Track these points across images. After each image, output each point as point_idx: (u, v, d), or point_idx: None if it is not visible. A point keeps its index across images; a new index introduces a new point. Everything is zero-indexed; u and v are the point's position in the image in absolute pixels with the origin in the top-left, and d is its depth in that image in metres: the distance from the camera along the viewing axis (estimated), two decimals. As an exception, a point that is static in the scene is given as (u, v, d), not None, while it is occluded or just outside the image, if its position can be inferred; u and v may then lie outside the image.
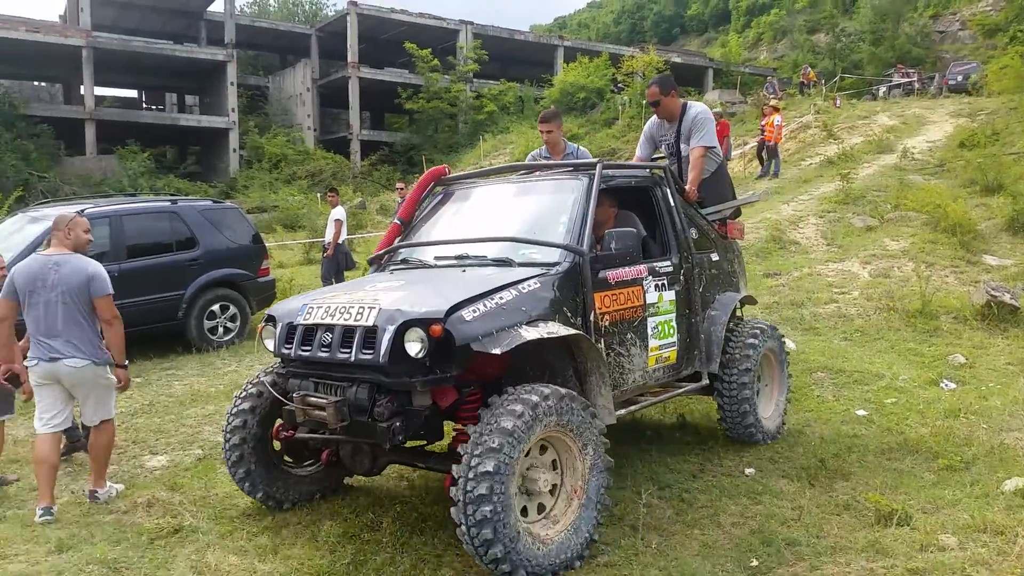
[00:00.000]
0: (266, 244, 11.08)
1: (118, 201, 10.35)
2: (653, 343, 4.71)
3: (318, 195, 26.12)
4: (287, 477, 4.64)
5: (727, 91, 35.99)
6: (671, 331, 4.84)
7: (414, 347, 3.63)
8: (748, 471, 5.04)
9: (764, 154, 19.13)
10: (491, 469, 3.41)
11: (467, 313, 3.67)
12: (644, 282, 4.66)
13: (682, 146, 5.73)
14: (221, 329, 9.76)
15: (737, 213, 5.93)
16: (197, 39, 37.64)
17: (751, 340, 5.30)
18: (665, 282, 4.83)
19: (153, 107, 43.19)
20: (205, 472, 5.34)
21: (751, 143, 22.17)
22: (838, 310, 8.93)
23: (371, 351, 3.71)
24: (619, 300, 4.48)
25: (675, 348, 4.89)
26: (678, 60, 41.63)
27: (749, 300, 5.86)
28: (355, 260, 12.91)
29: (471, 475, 3.44)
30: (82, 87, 31.72)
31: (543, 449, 3.82)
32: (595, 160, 4.81)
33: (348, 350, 3.79)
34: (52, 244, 4.86)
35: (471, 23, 39.58)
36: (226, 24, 35.17)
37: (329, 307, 4.02)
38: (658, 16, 65.21)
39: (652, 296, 4.71)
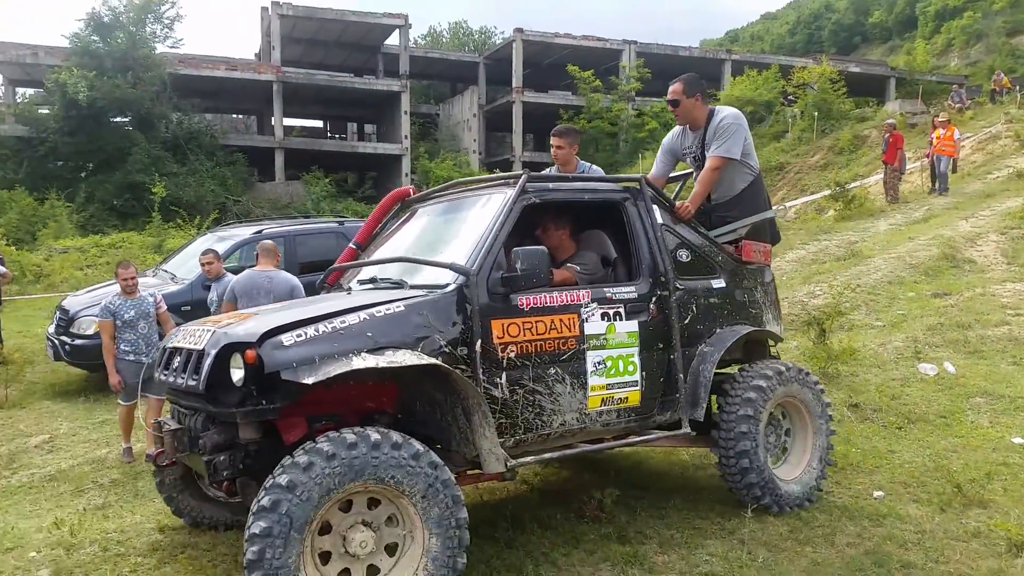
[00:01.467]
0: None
1: (293, 222, 11.41)
2: (597, 381, 4.06)
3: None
4: (212, 501, 4.48)
5: (909, 101, 33.71)
6: (629, 368, 4.17)
7: (236, 373, 3.34)
8: (877, 494, 4.85)
9: (936, 170, 17.82)
10: (258, 532, 3.02)
11: (287, 338, 3.32)
12: (583, 309, 4.05)
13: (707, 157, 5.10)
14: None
15: (767, 233, 5.08)
16: (375, 71, 40.21)
17: (758, 383, 4.49)
18: (622, 311, 4.18)
19: (336, 136, 46.55)
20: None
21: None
22: (1009, 333, 8.24)
23: (197, 377, 3.48)
24: (535, 329, 3.88)
25: (637, 389, 4.21)
26: (856, 70, 39.51)
27: (770, 336, 4.95)
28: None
29: (247, 535, 3.08)
30: (273, 118, 34.82)
31: (374, 503, 3.35)
32: (520, 173, 4.21)
33: (185, 375, 3.59)
34: (261, 262, 6.46)
35: (634, 42, 39.65)
36: (401, 56, 37.36)
37: (191, 330, 3.86)
38: (836, 25, 62.11)
39: (596, 326, 4.08)
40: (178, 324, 5.03)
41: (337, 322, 3.45)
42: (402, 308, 3.62)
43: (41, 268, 17.70)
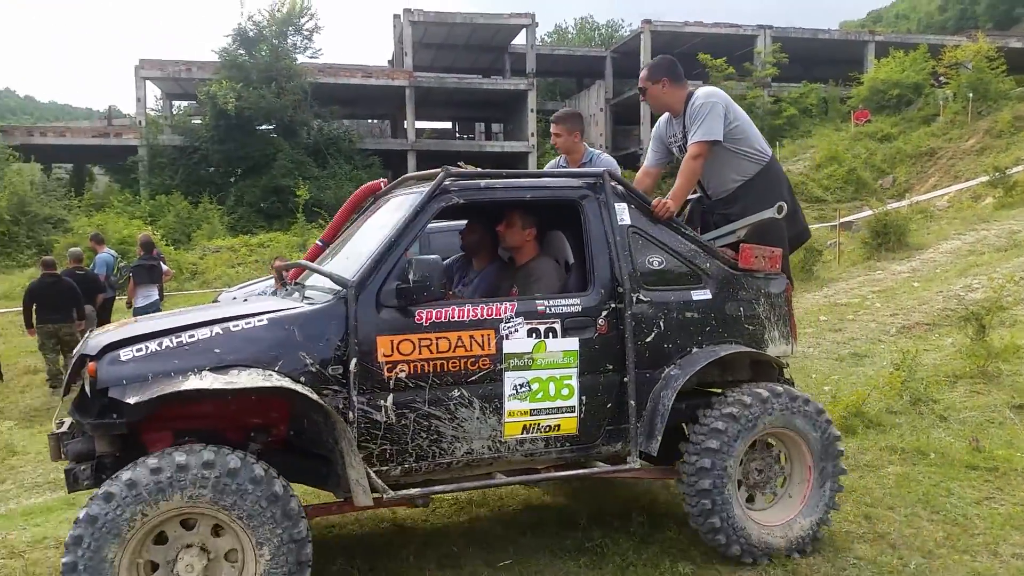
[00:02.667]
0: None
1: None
2: (517, 406, 3.59)
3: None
4: None
5: (1081, 76, 30.76)
6: (563, 392, 3.66)
7: (88, 385, 3.17)
8: (1046, 502, 4.45)
9: None
10: (66, 561, 2.87)
11: (125, 352, 3.11)
12: (503, 325, 3.57)
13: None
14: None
15: (786, 233, 4.30)
16: (502, 71, 40.76)
17: (731, 411, 3.78)
18: (557, 327, 3.65)
19: (464, 136, 47.56)
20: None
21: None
22: None
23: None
24: (436, 347, 3.45)
25: (573, 416, 3.68)
26: (1017, 45, 36.47)
27: (772, 361, 4.13)
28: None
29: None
30: (405, 122, 35.96)
31: (219, 530, 3.10)
32: (436, 171, 3.72)
33: None
34: None
35: (770, 27, 38.22)
36: (527, 55, 37.67)
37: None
38: (993, -3, 57.54)
39: (519, 344, 3.59)
40: None
41: (185, 336, 3.19)
42: (264, 322, 3.31)
43: (196, 266, 19.14)
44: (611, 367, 3.75)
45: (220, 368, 3.13)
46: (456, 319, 3.51)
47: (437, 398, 3.46)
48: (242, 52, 30.30)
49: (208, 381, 3.04)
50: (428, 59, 39.70)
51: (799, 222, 4.52)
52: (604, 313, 3.74)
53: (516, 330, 3.60)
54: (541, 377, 3.63)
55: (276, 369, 3.21)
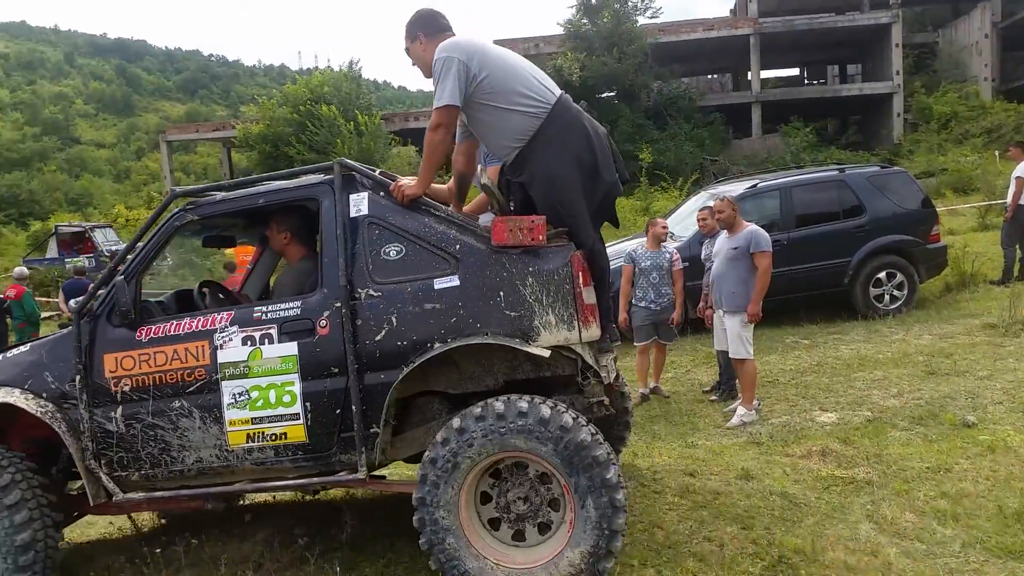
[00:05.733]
0: (936, 209, 10.32)
1: (787, 174, 10.92)
2: (237, 415, 3.62)
3: (996, 153, 23.06)
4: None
5: None
6: (284, 399, 3.57)
7: None
8: None
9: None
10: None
11: None
12: (217, 335, 3.64)
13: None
14: (887, 297, 9.51)
15: (567, 197, 3.56)
16: (858, 6, 36.85)
17: (445, 435, 3.38)
18: (273, 332, 3.59)
19: (814, 82, 44.02)
20: (876, 433, 5.31)
21: None
22: None
23: None
24: (153, 361, 3.71)
25: (299, 423, 3.57)
26: None
27: (530, 353, 3.41)
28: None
29: None
30: (749, 73, 34.16)
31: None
32: (173, 189, 3.98)
33: None
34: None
35: None
36: (890, -17, 33.56)
37: None
38: None
39: (234, 353, 3.62)
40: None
41: None
42: (26, 348, 4.00)
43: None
44: (336, 370, 3.55)
45: None
46: (172, 333, 3.72)
47: (160, 409, 3.70)
48: (585, 21, 31.07)
49: None
50: (774, 3, 37.25)
51: (604, 178, 3.68)
52: (327, 313, 3.57)
53: (230, 339, 3.65)
54: (260, 384, 3.60)
55: (25, 387, 3.83)
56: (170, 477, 3.79)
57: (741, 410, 6.03)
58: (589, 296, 3.50)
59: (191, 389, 3.69)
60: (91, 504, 3.81)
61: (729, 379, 6.74)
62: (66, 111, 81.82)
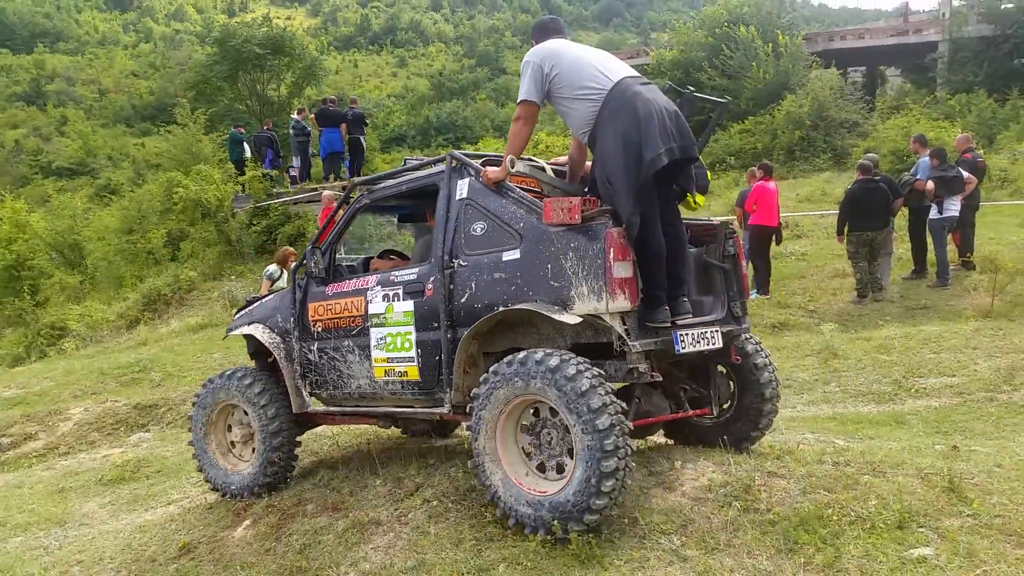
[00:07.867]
0: None
1: None
2: (379, 355, 4.62)
3: None
4: None
5: None
6: (405, 345, 4.48)
7: None
8: None
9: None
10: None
11: None
12: (368, 292, 4.68)
13: None
14: None
15: (611, 170, 3.87)
16: None
17: (492, 378, 3.91)
18: (400, 291, 4.52)
19: None
20: None
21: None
22: None
23: None
24: (334, 309, 4.87)
25: (414, 364, 4.46)
26: None
27: (543, 315, 3.87)
28: None
29: None
30: None
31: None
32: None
33: None
34: None
35: None
36: None
37: None
38: None
39: (377, 306, 4.63)
40: None
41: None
42: (279, 295, 5.52)
43: (1006, 172, 16.79)
44: (435, 325, 4.33)
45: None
46: (344, 290, 4.87)
47: (337, 346, 4.88)
48: None
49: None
50: None
51: (644, 152, 3.78)
52: (432, 278, 4.35)
53: (376, 296, 4.65)
54: (392, 332, 4.55)
55: (266, 324, 5.34)
56: (344, 398, 4.97)
57: None
58: (621, 270, 3.72)
59: (353, 332, 4.78)
60: (293, 411, 5.08)
61: None
62: (496, 43, 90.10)
